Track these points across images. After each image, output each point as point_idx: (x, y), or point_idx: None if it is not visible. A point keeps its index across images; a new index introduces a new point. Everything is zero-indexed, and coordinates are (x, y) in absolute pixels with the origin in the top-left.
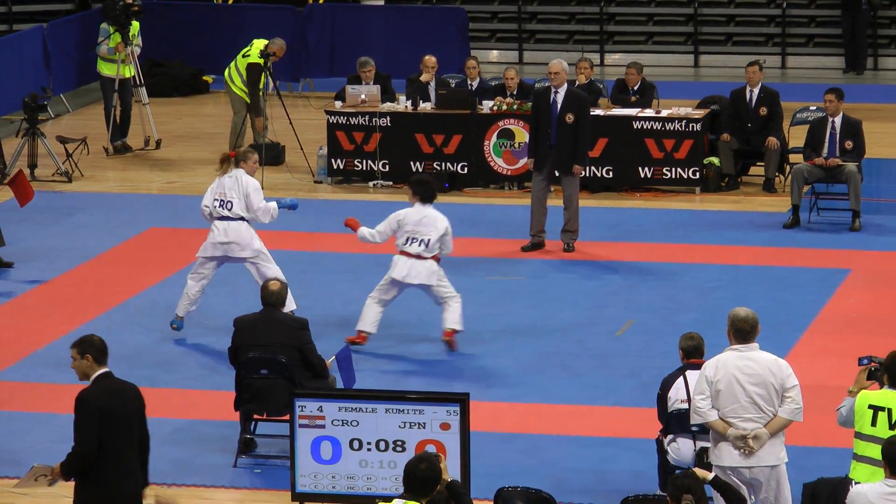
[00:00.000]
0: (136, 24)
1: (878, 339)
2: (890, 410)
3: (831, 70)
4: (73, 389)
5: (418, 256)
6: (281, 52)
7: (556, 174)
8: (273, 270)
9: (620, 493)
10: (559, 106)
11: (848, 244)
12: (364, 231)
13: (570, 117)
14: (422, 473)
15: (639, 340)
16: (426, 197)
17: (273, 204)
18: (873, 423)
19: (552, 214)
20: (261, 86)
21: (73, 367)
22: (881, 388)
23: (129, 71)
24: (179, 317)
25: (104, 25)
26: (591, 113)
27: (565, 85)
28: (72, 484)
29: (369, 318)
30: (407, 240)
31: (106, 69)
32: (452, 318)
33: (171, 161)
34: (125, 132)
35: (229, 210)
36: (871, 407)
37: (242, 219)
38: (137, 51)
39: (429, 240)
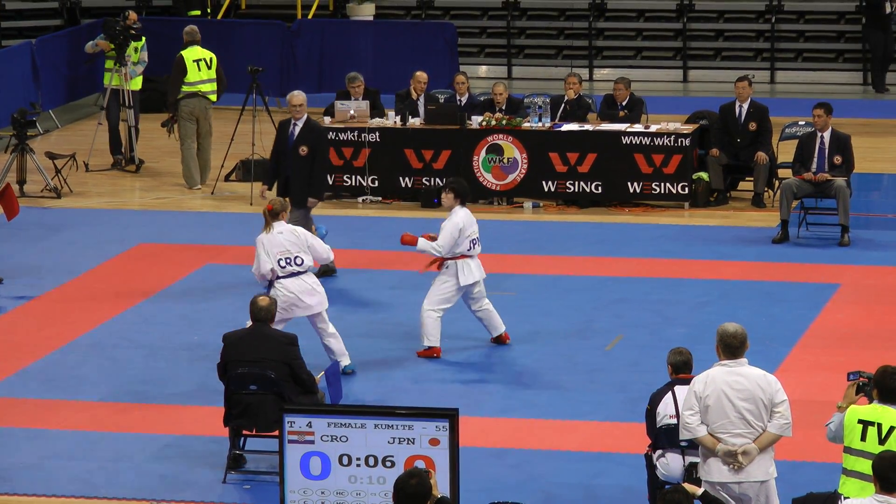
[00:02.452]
0: (142, 40)
1: (868, 353)
2: (880, 425)
3: (820, 85)
4: (63, 406)
5: (474, 256)
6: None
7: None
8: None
9: None
10: (294, 138)
11: (837, 259)
12: (426, 244)
13: (303, 150)
14: (412, 489)
15: (628, 355)
16: (466, 199)
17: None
18: (863, 438)
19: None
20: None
21: None
22: (870, 402)
23: (135, 84)
24: None
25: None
26: (582, 128)
27: (304, 116)
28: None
29: (437, 332)
30: (470, 244)
31: (114, 81)
32: (500, 321)
33: (160, 177)
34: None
35: (300, 265)
36: (860, 422)
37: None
38: (141, 67)
39: (479, 237)
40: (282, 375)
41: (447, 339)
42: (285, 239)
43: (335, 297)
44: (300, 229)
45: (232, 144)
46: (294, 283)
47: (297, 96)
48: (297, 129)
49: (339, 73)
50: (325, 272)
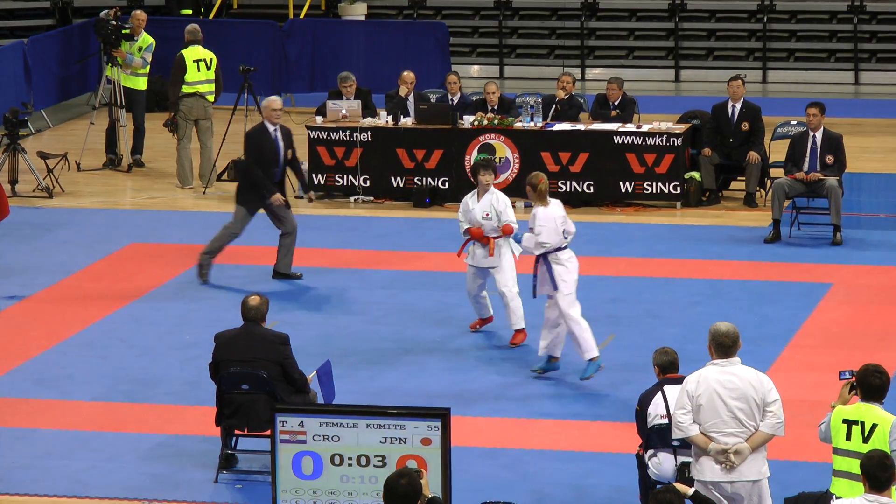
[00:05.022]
0: (146, 38)
1: (860, 353)
2: (863, 424)
3: (812, 84)
4: (55, 405)
5: None
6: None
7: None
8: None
9: None
10: (281, 143)
11: (829, 258)
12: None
13: (289, 153)
14: (402, 489)
15: (620, 355)
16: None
17: None
18: (847, 438)
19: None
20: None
21: None
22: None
23: (138, 83)
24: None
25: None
26: (574, 127)
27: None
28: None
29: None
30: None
31: (131, 83)
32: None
33: (151, 176)
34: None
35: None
36: (844, 421)
37: None
38: (143, 67)
39: None
40: (273, 375)
41: (441, 337)
42: (560, 210)
43: (328, 297)
44: None
45: (224, 144)
46: (571, 258)
47: (276, 100)
48: (280, 134)
49: (331, 73)
50: (288, 276)
